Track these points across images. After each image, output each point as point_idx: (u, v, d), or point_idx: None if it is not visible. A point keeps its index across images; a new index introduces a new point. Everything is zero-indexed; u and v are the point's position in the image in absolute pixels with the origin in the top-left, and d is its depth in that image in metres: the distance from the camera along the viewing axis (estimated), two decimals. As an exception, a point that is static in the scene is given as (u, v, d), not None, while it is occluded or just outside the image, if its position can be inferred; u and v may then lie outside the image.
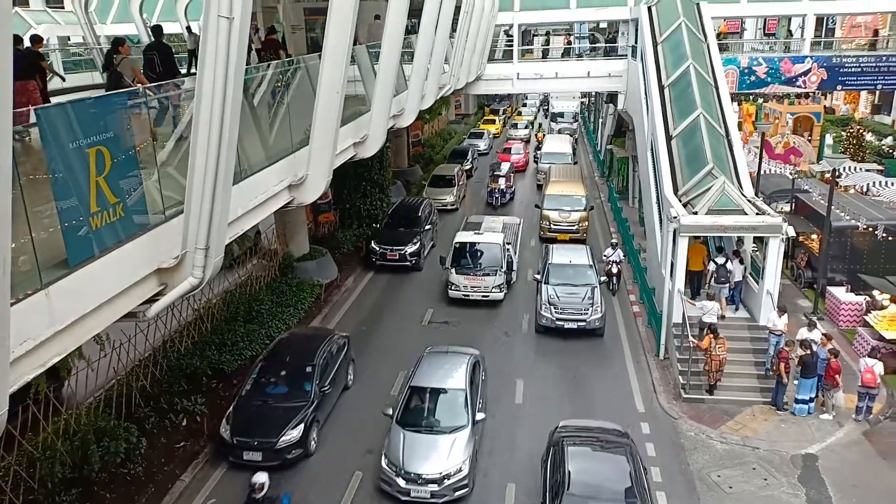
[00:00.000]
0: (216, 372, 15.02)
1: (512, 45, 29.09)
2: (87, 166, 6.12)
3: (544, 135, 45.50)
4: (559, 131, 47.81)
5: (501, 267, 20.11)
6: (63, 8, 31.87)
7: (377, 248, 23.23)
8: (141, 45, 23.98)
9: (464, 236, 21.28)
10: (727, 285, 16.91)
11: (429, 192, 30.15)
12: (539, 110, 63.62)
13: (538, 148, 39.25)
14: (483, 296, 19.88)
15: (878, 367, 14.40)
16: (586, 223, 25.82)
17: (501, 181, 30.90)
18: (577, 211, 25.78)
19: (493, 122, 55.49)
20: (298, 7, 24.03)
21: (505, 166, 32.68)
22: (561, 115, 52.26)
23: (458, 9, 19.38)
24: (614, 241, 22.87)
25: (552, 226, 25.70)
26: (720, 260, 17.00)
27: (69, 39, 29.79)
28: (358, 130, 13.68)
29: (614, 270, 20.88)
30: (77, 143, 6.03)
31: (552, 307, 17.96)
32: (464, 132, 50.95)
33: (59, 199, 5.95)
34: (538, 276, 19.35)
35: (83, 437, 11.51)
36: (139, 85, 9.23)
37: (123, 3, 26.86)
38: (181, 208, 7.51)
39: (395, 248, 22.98)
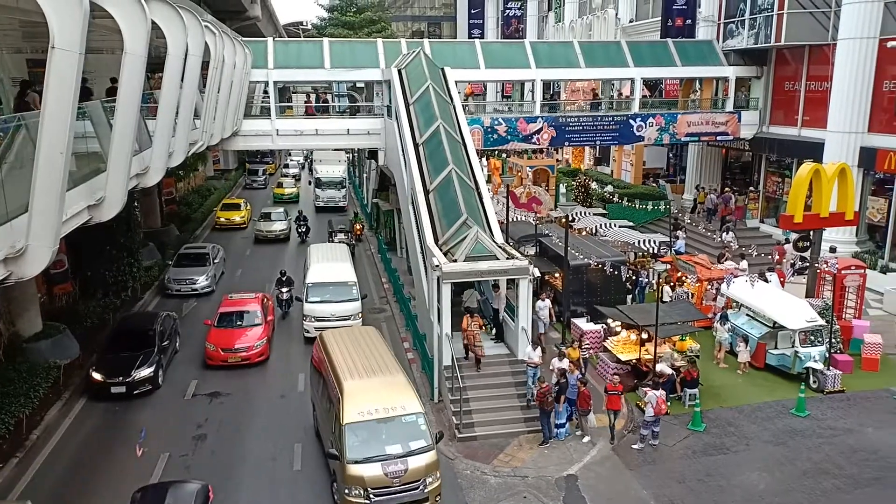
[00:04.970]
0: (-83, 490, 12.32)
1: (269, 102, 28.67)
2: None
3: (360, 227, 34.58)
4: (333, 235, 32.33)
5: None
6: None
7: None
8: None
9: None
10: None
11: None
12: (303, 168, 62.53)
13: (283, 282, 23.83)
14: None
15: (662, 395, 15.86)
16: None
17: None
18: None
19: (238, 207, 39.39)
20: (20, 58, 21.48)
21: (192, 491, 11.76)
22: (327, 181, 43.27)
23: (206, 63, 18.65)
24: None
25: None
26: None
27: None
28: (92, 192, 12.33)
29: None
30: None
31: None
32: (226, 187, 48.36)
33: None
34: None
35: None
36: None
37: None
38: None
39: None
